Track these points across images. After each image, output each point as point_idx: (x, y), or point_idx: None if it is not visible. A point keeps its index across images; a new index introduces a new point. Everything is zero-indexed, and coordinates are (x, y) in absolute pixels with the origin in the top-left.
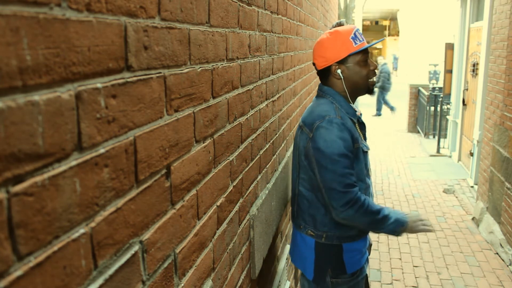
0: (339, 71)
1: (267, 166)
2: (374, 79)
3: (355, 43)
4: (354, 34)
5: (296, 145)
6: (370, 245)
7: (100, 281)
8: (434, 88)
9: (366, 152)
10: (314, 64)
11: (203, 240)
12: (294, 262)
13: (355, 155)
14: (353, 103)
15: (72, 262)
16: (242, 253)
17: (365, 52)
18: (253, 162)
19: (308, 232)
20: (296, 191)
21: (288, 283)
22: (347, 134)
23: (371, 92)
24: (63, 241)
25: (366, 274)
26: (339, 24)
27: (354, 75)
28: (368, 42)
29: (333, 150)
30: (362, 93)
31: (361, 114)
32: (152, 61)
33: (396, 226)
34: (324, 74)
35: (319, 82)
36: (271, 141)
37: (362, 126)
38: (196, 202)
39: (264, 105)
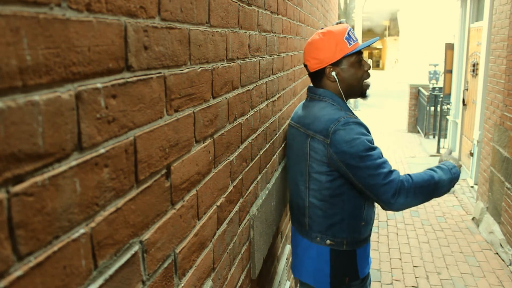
0: (333, 73)
1: (267, 166)
2: (368, 81)
3: (349, 44)
4: (348, 34)
5: (302, 154)
6: None
7: (100, 281)
8: (434, 88)
9: None
10: (305, 65)
11: (203, 240)
12: (303, 278)
13: None
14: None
15: (72, 262)
16: (242, 253)
17: (359, 52)
18: (253, 162)
19: (326, 243)
20: (306, 203)
21: (288, 283)
22: (364, 128)
23: (364, 95)
24: (63, 241)
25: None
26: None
27: (349, 77)
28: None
29: (358, 147)
30: (355, 96)
31: None
32: (152, 61)
33: (451, 184)
34: (317, 76)
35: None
36: (271, 141)
37: None
38: (196, 202)
39: (264, 105)
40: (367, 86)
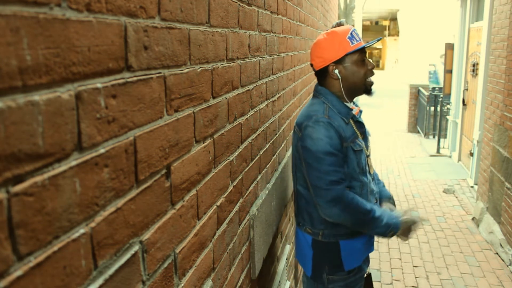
0: (336, 71)
1: (267, 166)
2: (372, 79)
3: (352, 43)
4: (351, 34)
5: (292, 145)
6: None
7: (100, 281)
8: (434, 88)
9: (360, 150)
10: (312, 65)
11: (203, 240)
12: (297, 257)
13: (345, 154)
14: (350, 102)
15: (72, 262)
16: (242, 253)
17: (362, 51)
18: (253, 162)
19: (306, 230)
20: (294, 189)
21: (288, 283)
22: (334, 133)
23: (369, 92)
24: (63, 241)
25: (370, 274)
26: (339, 24)
27: (351, 75)
28: (365, 42)
29: (318, 148)
30: (359, 93)
31: (360, 112)
32: (152, 61)
33: (386, 230)
34: (322, 74)
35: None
36: (271, 141)
37: (360, 124)
38: (196, 202)
39: (264, 105)
40: (371, 83)
